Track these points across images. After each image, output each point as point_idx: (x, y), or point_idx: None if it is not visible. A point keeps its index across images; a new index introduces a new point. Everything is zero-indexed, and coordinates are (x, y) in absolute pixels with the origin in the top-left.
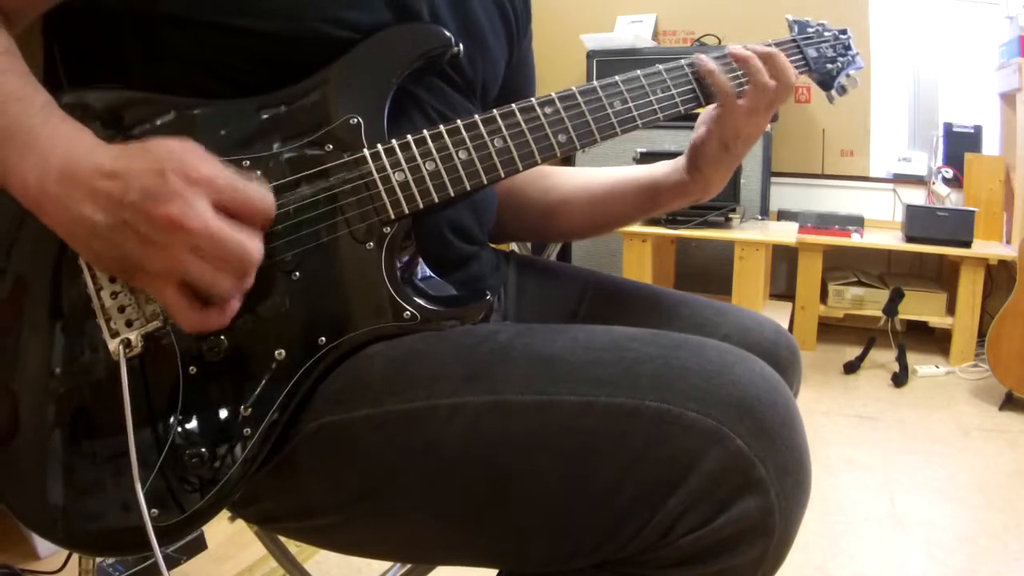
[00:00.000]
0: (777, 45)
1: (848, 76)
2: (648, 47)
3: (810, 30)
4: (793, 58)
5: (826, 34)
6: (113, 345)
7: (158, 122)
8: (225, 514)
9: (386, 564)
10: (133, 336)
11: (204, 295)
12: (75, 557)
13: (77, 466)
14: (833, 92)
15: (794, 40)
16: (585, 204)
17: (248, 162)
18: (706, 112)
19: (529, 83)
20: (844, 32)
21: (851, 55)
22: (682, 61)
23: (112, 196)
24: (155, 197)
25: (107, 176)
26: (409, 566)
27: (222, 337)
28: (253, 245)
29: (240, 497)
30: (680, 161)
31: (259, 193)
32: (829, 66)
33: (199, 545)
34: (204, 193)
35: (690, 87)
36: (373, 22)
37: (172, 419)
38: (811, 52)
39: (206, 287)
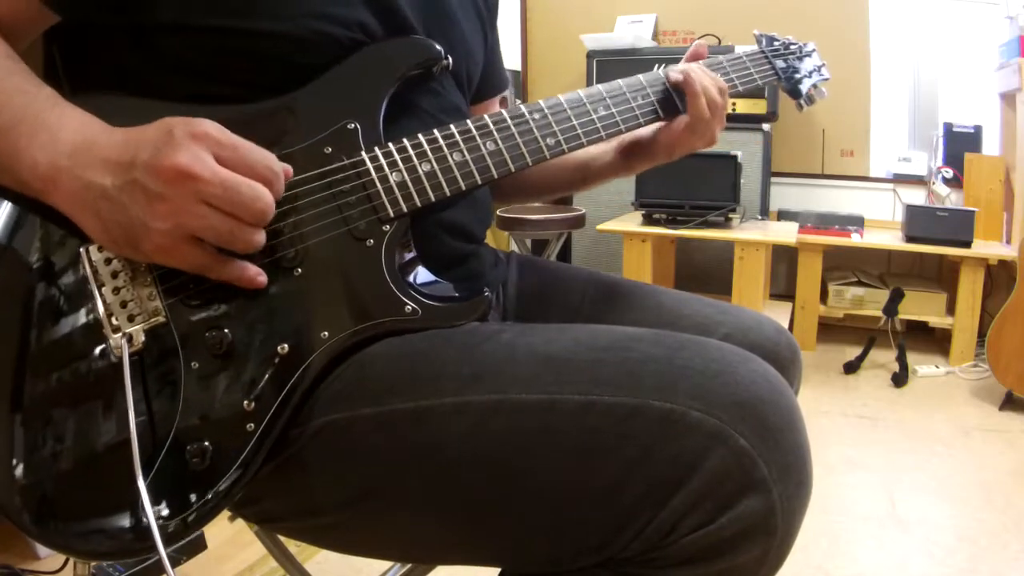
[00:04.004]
0: (747, 56)
1: (815, 87)
2: (648, 47)
3: (777, 43)
4: (762, 68)
5: (792, 47)
6: (115, 340)
7: None
8: (225, 514)
9: (386, 564)
10: (135, 331)
11: (213, 243)
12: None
13: (76, 467)
14: (801, 101)
15: (763, 52)
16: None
17: None
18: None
19: (500, 71)
20: (808, 45)
21: (817, 67)
22: (659, 71)
23: (122, 161)
24: (163, 152)
25: (121, 145)
26: (409, 566)
27: (225, 331)
28: (264, 191)
29: (241, 496)
30: (611, 147)
31: (260, 151)
32: (797, 76)
33: (199, 545)
34: (208, 146)
35: (669, 95)
36: (353, 16)
37: (174, 415)
38: (779, 63)
39: (225, 237)
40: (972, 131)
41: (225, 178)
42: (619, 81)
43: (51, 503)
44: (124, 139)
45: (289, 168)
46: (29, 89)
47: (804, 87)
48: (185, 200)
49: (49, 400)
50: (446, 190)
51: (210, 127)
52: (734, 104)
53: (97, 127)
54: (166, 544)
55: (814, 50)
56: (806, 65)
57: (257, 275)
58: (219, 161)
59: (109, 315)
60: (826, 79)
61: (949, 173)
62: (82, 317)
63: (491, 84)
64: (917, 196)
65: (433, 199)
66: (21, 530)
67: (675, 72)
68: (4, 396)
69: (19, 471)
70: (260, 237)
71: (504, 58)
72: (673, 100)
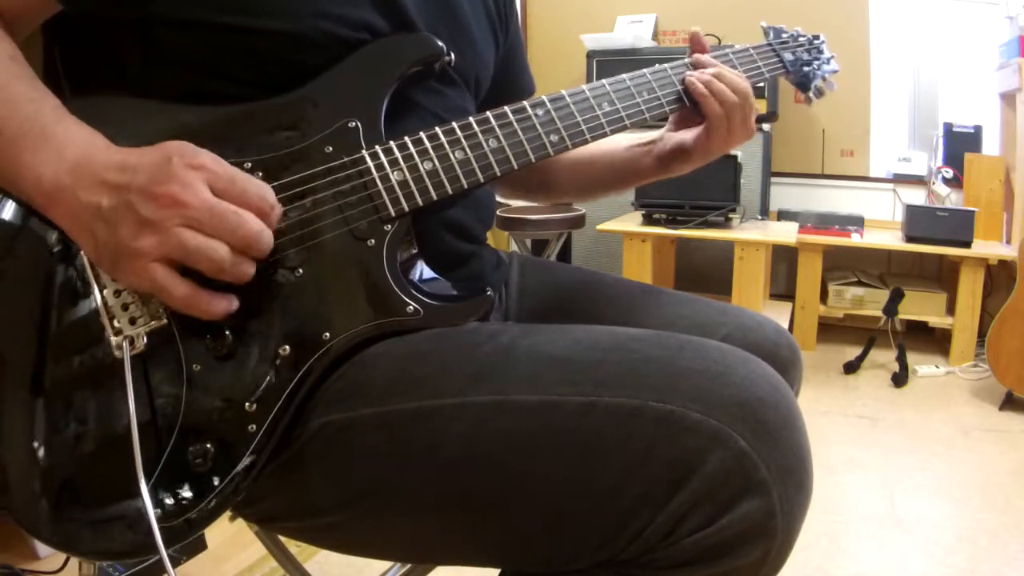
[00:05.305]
0: (754, 49)
1: (824, 79)
2: (648, 47)
3: (784, 35)
4: (769, 61)
5: (800, 39)
6: (116, 343)
7: (161, 128)
8: (225, 514)
9: (387, 564)
10: (136, 334)
11: (198, 267)
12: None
13: (78, 468)
14: (810, 94)
15: (770, 44)
16: (568, 168)
17: (250, 164)
18: (681, 118)
19: (524, 74)
20: (817, 37)
21: (825, 58)
22: (666, 66)
23: (120, 185)
24: (158, 179)
25: (118, 168)
26: (409, 566)
27: (227, 333)
28: (253, 220)
29: (243, 496)
30: (654, 151)
31: (256, 184)
32: (805, 68)
33: (199, 545)
34: (203, 177)
35: (674, 89)
36: (360, 17)
37: (176, 417)
38: (787, 55)
39: (197, 253)
40: (972, 131)
41: (213, 205)
42: (624, 76)
43: (54, 504)
44: (123, 162)
45: (280, 209)
46: (35, 97)
47: (813, 80)
48: (170, 222)
49: (50, 401)
50: (448, 188)
51: (207, 158)
52: None
53: (100, 144)
54: (168, 544)
55: (823, 42)
56: (814, 57)
57: (226, 309)
58: (214, 192)
59: (111, 317)
60: (835, 71)
61: (949, 173)
62: (84, 319)
63: (517, 87)
64: (917, 196)
65: (435, 197)
66: (25, 529)
67: (684, 73)
68: (5, 395)
69: (20, 470)
70: (244, 267)
71: None
72: (681, 97)
